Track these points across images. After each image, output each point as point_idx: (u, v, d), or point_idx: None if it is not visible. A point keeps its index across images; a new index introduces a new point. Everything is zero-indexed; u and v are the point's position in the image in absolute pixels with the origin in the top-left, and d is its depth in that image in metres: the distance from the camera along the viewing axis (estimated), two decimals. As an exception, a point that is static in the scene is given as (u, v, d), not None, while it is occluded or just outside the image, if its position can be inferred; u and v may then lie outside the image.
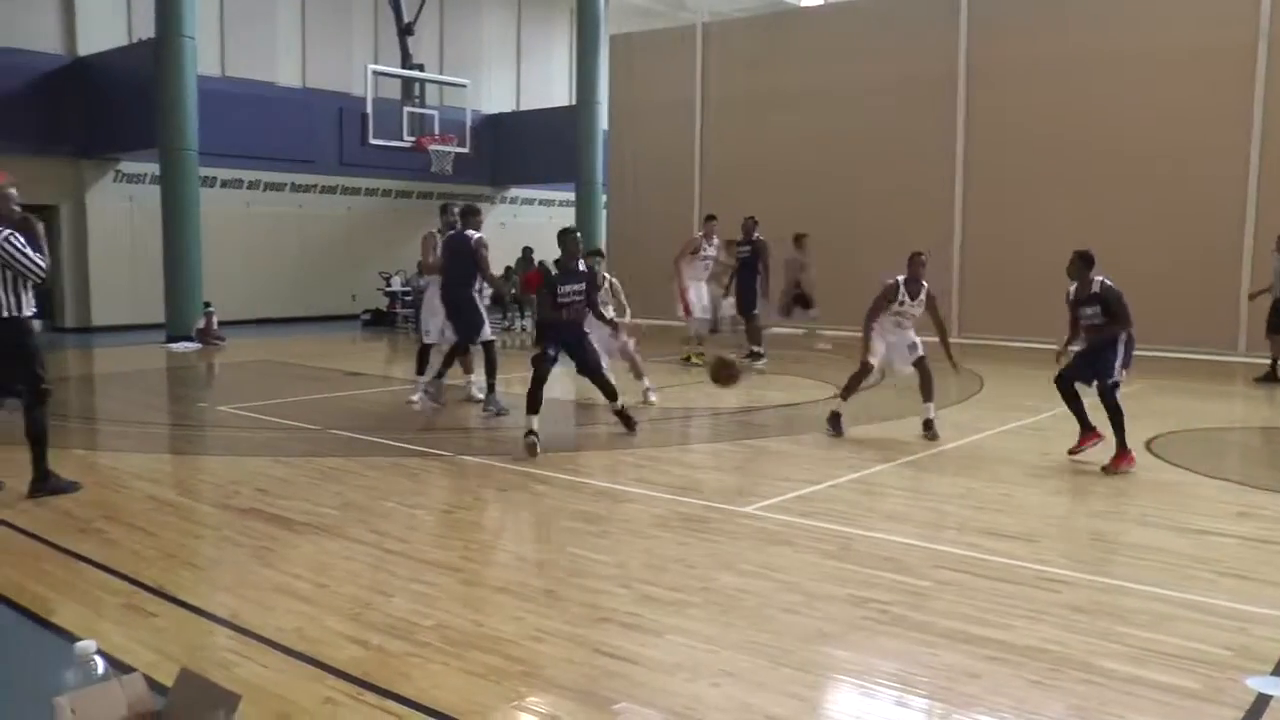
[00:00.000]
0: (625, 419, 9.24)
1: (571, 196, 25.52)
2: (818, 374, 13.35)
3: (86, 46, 20.37)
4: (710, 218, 14.98)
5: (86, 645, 3.21)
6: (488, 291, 10.78)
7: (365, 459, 8.53)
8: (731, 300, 14.78)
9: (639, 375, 10.88)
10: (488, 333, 10.35)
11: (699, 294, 14.42)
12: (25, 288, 6.76)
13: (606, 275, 11.10)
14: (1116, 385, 7.76)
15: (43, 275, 6.70)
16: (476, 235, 10.20)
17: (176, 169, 18.02)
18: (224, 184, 22.03)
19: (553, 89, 28.90)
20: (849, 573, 5.32)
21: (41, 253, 6.72)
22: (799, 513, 6.53)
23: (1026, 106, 17.25)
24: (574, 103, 25.46)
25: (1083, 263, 8.10)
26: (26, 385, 6.88)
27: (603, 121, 24.11)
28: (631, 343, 10.70)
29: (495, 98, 27.43)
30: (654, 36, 23.19)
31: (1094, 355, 7.97)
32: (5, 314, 6.69)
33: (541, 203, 29.00)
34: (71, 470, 7.83)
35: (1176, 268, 15.57)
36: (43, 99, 19.66)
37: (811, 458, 8.41)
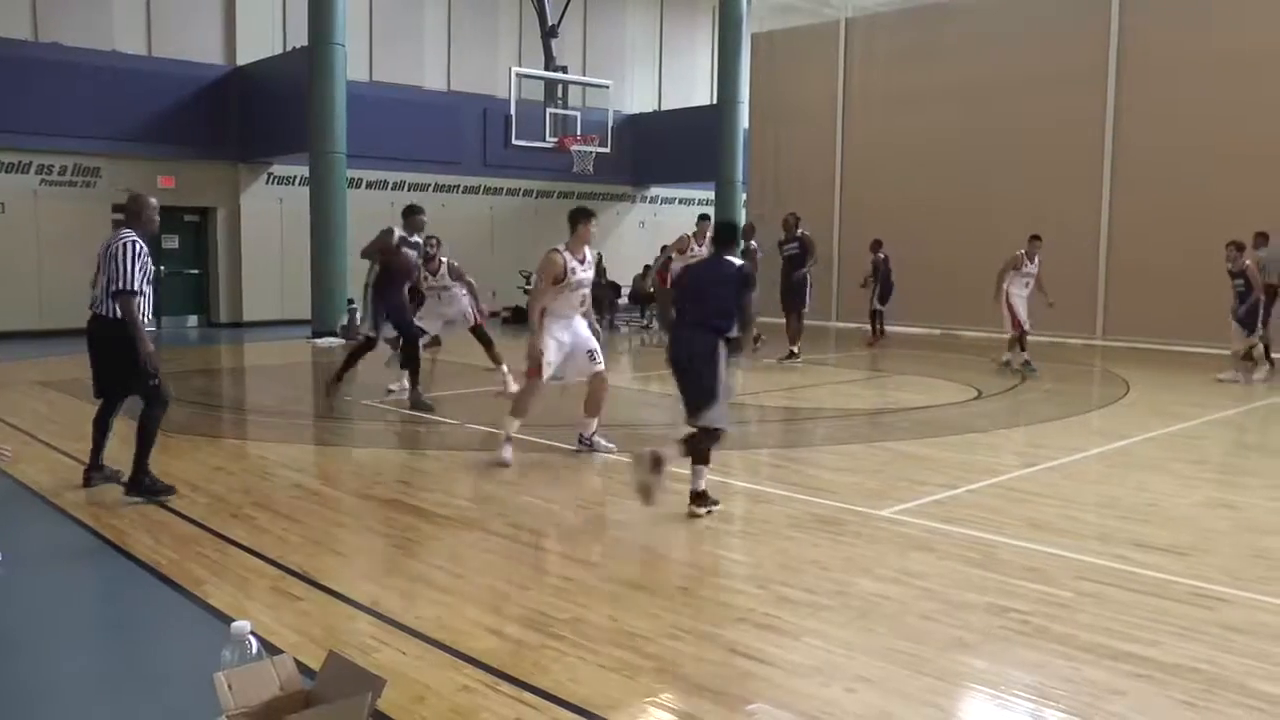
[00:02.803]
0: None
1: (711, 195, 25.54)
2: (954, 375, 13.10)
3: (245, 56, 21.20)
4: (703, 218, 14.97)
5: (242, 625, 3.32)
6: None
7: (503, 454, 8.68)
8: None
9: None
10: (389, 332, 10.72)
11: None
12: (151, 295, 6.74)
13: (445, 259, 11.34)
14: None
15: (120, 289, 6.46)
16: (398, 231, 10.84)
17: (325, 171, 18.62)
18: (369, 185, 22.64)
19: (694, 88, 28.98)
20: (988, 581, 5.19)
21: None
22: (937, 517, 6.40)
23: (1179, 101, 16.63)
24: (715, 102, 25.47)
25: None
26: (140, 389, 6.70)
27: (744, 120, 24.09)
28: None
29: (637, 98, 27.60)
30: (796, 34, 23.04)
31: None
32: (107, 314, 6.62)
33: (682, 201, 29.09)
34: (223, 458, 8.18)
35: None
36: (206, 107, 20.61)
37: (948, 461, 8.23)
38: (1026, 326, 13.76)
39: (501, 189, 25.21)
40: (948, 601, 4.88)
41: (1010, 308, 13.70)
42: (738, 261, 6.71)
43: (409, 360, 10.72)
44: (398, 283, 10.65)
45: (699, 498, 6.49)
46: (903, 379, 13.46)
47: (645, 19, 28.38)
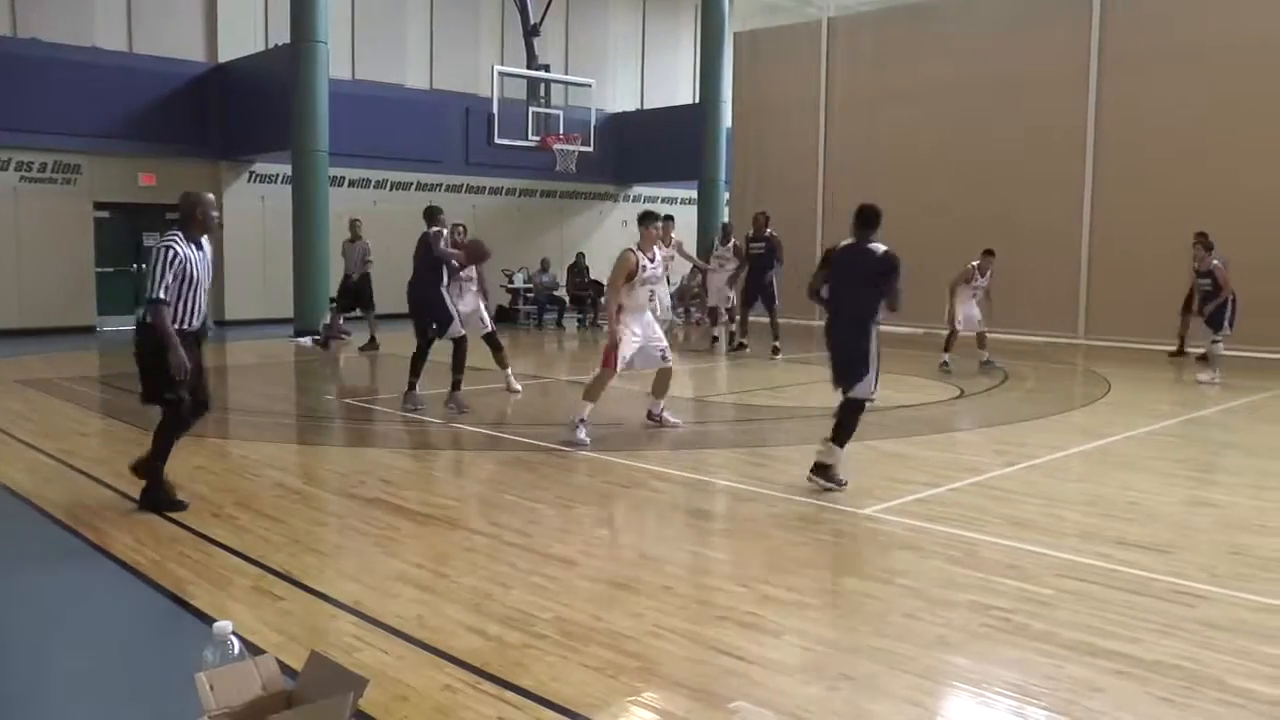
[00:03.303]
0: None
1: (694, 194, 25.56)
2: (936, 374, 13.13)
3: (226, 53, 21.10)
4: (667, 218, 15.27)
5: (224, 626, 3.31)
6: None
7: (486, 452, 8.68)
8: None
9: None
10: (457, 329, 10.51)
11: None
12: (193, 299, 6.39)
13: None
14: None
15: (147, 297, 6.21)
16: (433, 230, 10.69)
17: (307, 169, 18.55)
18: (352, 183, 22.56)
19: (677, 87, 28.98)
20: (970, 579, 5.21)
21: None
22: (920, 516, 6.42)
23: (1161, 100, 16.72)
24: (697, 101, 25.48)
25: None
26: (159, 400, 6.43)
27: (726, 119, 24.10)
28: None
29: (619, 97, 27.58)
30: (779, 33, 23.06)
31: None
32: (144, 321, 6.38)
33: (664, 200, 29.07)
34: (204, 457, 8.13)
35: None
36: (188, 104, 20.48)
37: (930, 460, 8.27)
38: (959, 327, 13.78)
39: (484, 188, 25.18)
40: (930, 599, 4.89)
41: (951, 310, 13.86)
42: (880, 248, 7.12)
43: (420, 360, 10.67)
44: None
45: (822, 469, 7.07)
46: (885, 377, 13.41)
47: (627, 18, 28.36)
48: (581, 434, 8.62)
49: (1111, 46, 17.40)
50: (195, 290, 6.41)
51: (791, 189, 21.73)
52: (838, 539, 5.96)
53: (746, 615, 4.67)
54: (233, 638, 3.30)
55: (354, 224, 16.99)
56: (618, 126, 26.40)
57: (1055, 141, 17.92)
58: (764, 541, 5.95)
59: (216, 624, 3.34)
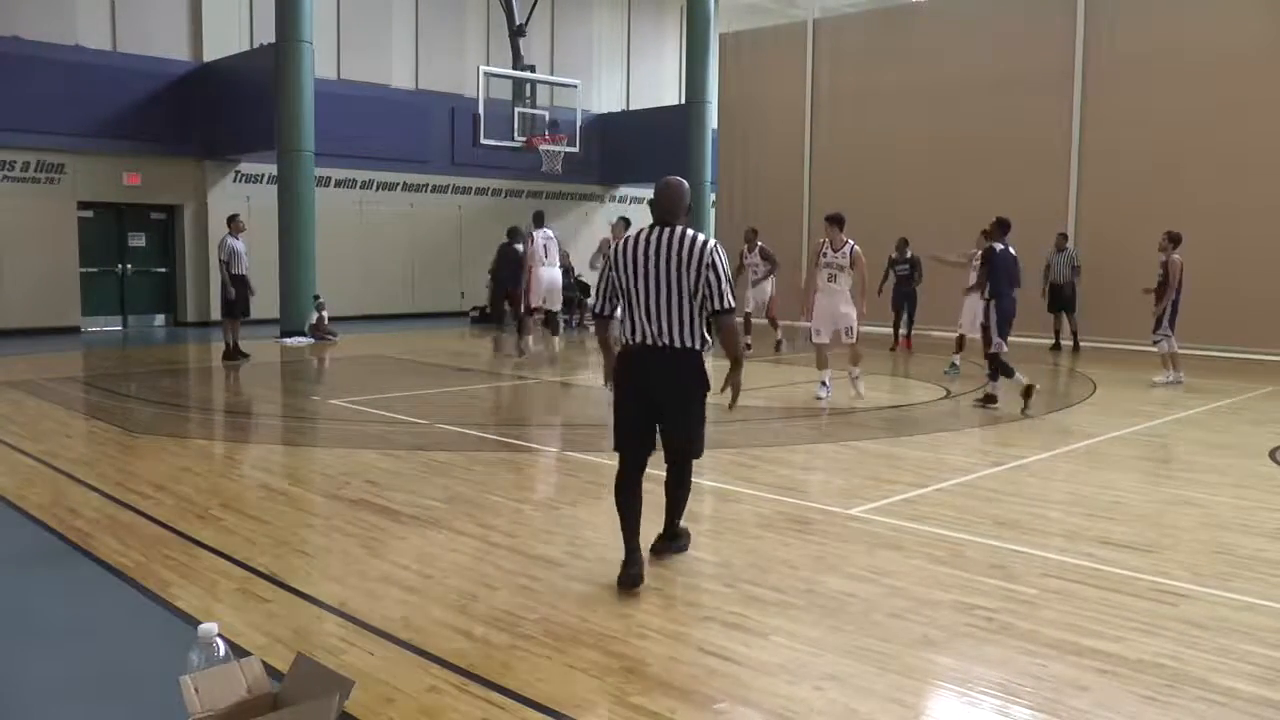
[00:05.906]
0: None
1: (679, 195, 25.54)
2: (923, 375, 13.17)
3: (211, 52, 21.02)
4: (622, 220, 16.41)
5: (209, 628, 3.30)
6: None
7: (472, 453, 8.66)
8: None
9: None
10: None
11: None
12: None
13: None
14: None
15: (722, 308, 5.07)
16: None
17: (293, 169, 18.49)
18: (338, 184, 22.51)
19: (662, 88, 29.00)
20: (955, 578, 5.22)
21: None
22: (905, 516, 6.44)
23: (1146, 103, 16.79)
24: (683, 102, 25.47)
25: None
26: (695, 434, 5.43)
27: (712, 120, 24.13)
28: None
29: (605, 98, 27.59)
30: (763, 34, 23.12)
31: None
32: (684, 344, 5.11)
33: (651, 202, 29.06)
34: (190, 459, 8.11)
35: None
36: (172, 103, 20.37)
37: (917, 460, 8.29)
38: (964, 329, 13.37)
39: (470, 188, 25.15)
40: (915, 599, 4.91)
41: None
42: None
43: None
44: None
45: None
46: (872, 378, 13.49)
47: (612, 19, 28.36)
48: (822, 392, 11.12)
49: (1096, 49, 17.47)
50: None
51: (776, 189, 21.77)
52: (823, 539, 5.98)
53: (732, 615, 4.67)
54: (218, 640, 3.30)
55: (237, 219, 15.66)
56: (603, 127, 26.42)
57: (1041, 143, 17.98)
58: (749, 542, 5.95)
59: (201, 626, 3.33)
